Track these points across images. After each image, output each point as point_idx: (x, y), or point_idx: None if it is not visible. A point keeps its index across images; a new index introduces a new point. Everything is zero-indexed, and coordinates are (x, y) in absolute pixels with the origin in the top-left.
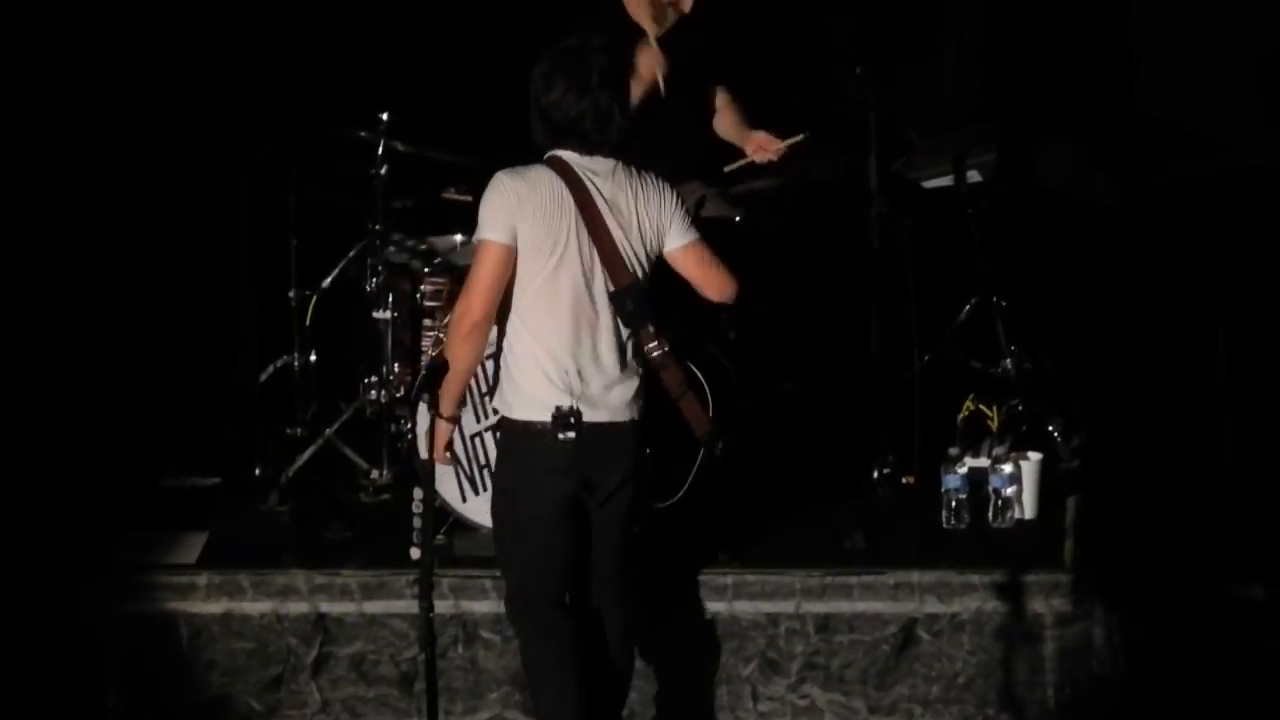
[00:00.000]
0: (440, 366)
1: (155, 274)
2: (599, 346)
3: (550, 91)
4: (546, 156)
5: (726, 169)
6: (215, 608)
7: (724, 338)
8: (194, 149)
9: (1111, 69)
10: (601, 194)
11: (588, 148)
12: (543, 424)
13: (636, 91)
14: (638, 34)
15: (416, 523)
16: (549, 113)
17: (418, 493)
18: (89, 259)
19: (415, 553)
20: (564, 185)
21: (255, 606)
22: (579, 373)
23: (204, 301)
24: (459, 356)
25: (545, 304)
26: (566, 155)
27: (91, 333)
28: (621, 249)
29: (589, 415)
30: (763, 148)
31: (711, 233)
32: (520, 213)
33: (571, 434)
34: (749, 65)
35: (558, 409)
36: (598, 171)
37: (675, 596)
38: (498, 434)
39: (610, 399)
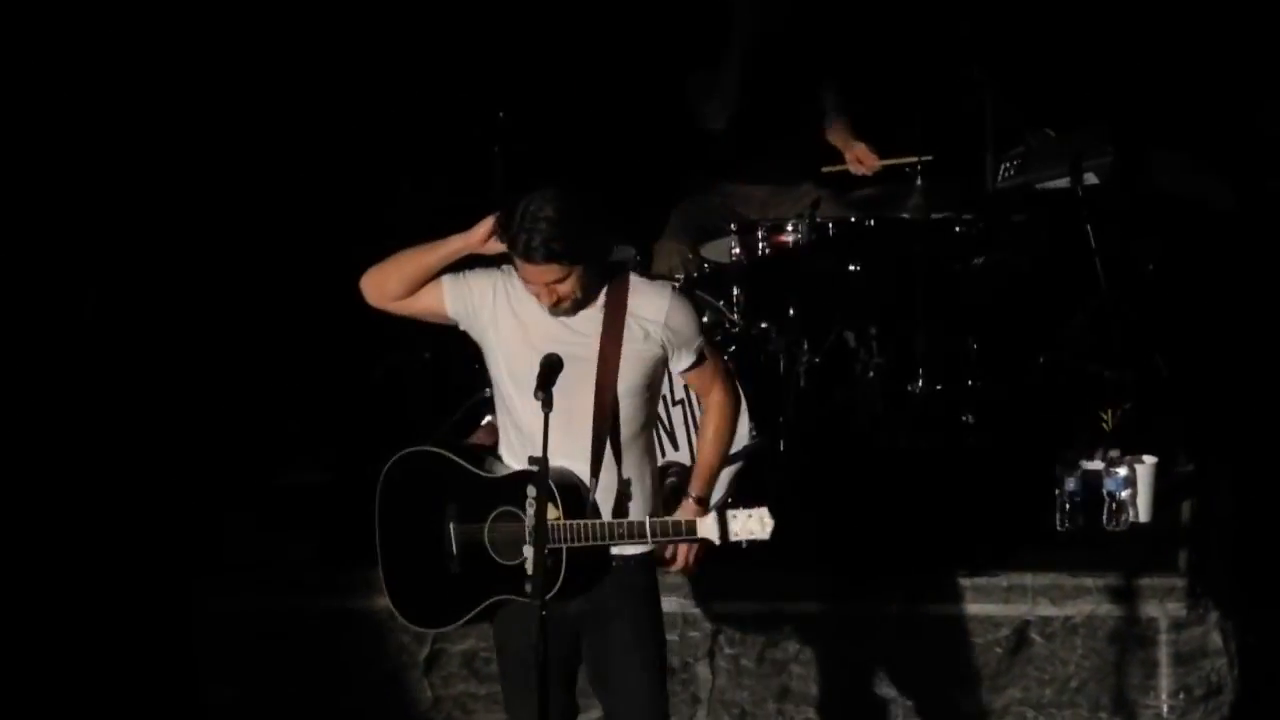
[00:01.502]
0: (557, 363)
1: (274, 272)
2: None
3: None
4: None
5: (824, 170)
6: (327, 604)
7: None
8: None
9: (1221, 78)
10: None
11: None
12: None
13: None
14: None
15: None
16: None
17: (531, 490)
18: (208, 257)
19: (528, 550)
20: None
21: (367, 603)
22: None
23: (319, 300)
24: None
25: None
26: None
27: (208, 330)
28: None
29: None
30: (861, 160)
31: (829, 235)
32: None
33: None
34: (861, 66)
35: None
36: None
37: (780, 598)
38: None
39: None
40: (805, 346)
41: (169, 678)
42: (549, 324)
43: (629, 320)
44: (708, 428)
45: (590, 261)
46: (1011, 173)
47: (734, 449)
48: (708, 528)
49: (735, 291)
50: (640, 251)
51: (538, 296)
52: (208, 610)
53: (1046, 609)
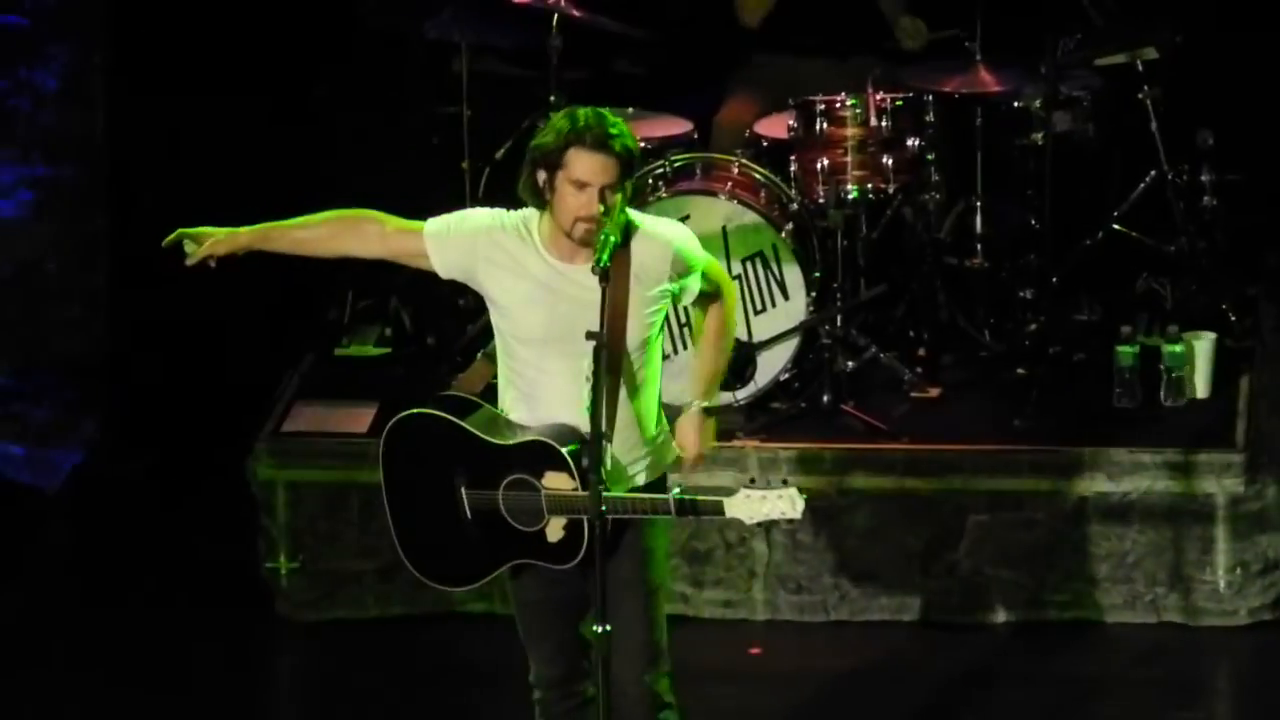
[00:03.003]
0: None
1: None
2: None
3: None
4: None
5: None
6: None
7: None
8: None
9: None
10: None
11: None
12: None
13: None
14: None
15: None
16: None
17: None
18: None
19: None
20: None
21: None
22: None
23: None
24: None
25: None
26: None
27: (269, 204)
28: None
29: None
30: (910, 35)
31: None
32: None
33: None
34: None
35: None
36: None
37: (846, 474)
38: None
39: None
40: (863, 222)
41: (231, 553)
42: (552, 275)
43: (634, 267)
44: (710, 331)
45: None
46: (1071, 47)
47: (791, 325)
48: (736, 507)
49: (792, 168)
50: (698, 128)
51: (567, 221)
52: (267, 483)
53: (1103, 485)
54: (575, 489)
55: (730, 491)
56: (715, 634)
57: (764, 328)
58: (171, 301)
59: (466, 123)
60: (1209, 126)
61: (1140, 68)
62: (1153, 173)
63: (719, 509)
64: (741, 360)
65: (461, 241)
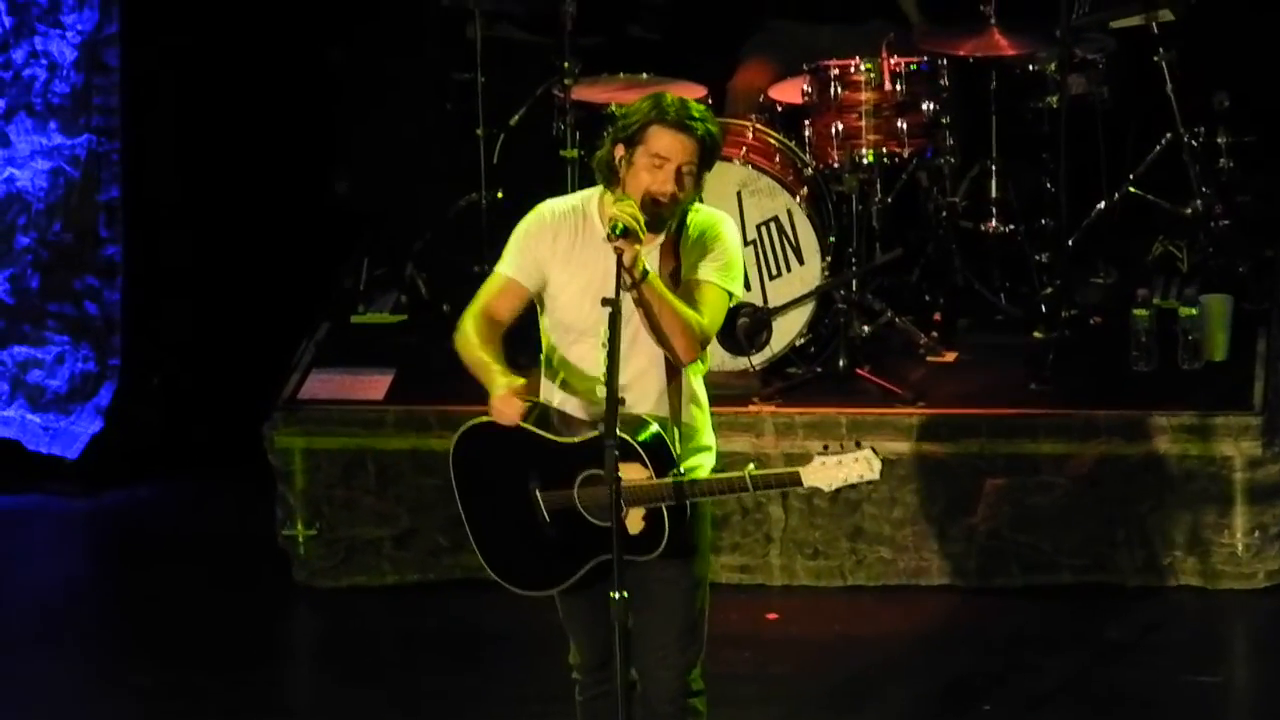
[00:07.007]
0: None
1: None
2: None
3: None
4: None
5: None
6: (403, 444)
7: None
8: None
9: None
10: None
11: None
12: None
13: None
14: None
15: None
16: None
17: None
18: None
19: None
20: None
21: (442, 442)
22: None
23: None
24: None
25: None
26: None
27: (283, 173)
28: None
29: None
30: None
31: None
32: None
33: None
34: None
35: None
36: None
37: (862, 439)
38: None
39: None
40: (878, 187)
41: (246, 517)
42: (608, 266)
43: (684, 260)
44: (676, 298)
45: (699, 186)
46: (1086, 10)
47: (806, 290)
48: (813, 476)
49: (807, 132)
50: (712, 94)
51: (638, 196)
52: (284, 449)
53: (1120, 448)
54: (650, 478)
55: (804, 460)
56: (732, 599)
57: (779, 293)
58: (188, 271)
59: (481, 89)
60: (1225, 88)
61: (1155, 30)
62: (1168, 135)
63: (796, 480)
64: (757, 325)
65: (533, 245)
